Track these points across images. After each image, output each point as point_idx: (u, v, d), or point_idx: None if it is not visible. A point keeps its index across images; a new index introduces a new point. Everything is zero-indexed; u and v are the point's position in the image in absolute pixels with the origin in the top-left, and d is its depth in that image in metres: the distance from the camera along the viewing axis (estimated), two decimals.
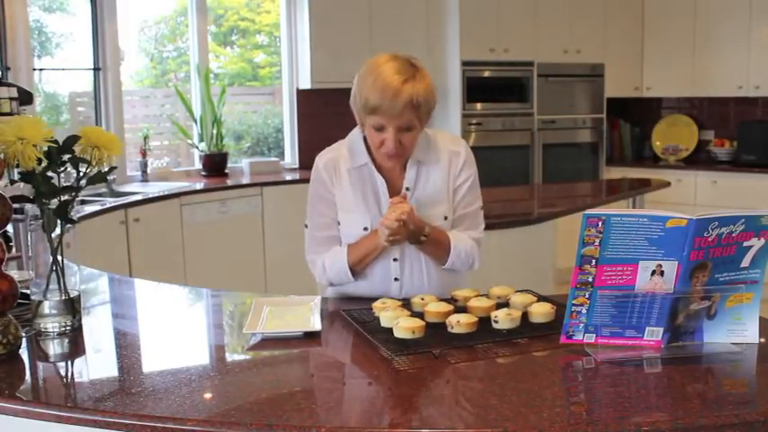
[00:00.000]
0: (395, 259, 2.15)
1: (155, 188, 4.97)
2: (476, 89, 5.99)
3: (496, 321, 1.80)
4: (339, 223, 2.16)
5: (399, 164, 2.13)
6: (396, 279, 2.17)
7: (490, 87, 6.10)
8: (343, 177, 2.15)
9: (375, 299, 1.97)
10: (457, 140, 2.23)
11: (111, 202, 4.45)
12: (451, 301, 1.99)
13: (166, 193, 4.81)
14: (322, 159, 2.19)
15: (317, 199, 2.19)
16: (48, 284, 1.85)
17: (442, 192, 2.16)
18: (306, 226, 2.23)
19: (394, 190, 2.14)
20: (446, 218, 2.15)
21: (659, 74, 6.71)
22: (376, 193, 2.14)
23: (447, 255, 2.14)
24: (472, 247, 2.18)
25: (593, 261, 1.61)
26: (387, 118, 1.99)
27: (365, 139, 2.14)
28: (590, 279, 1.62)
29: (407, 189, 2.14)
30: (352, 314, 1.94)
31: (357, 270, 2.15)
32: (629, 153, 7.05)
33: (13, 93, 2.39)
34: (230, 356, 1.79)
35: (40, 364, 1.72)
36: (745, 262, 1.65)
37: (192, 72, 5.71)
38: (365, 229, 2.13)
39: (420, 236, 2.07)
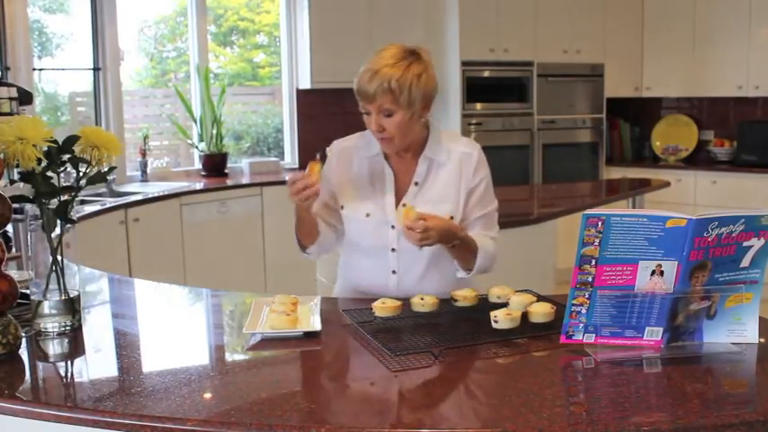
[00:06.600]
0: (393, 249, 2.16)
1: (154, 188, 4.97)
2: (476, 89, 5.98)
3: (496, 321, 1.80)
4: (343, 207, 2.20)
5: (396, 151, 2.14)
6: (393, 272, 2.17)
7: (490, 87, 6.10)
8: (353, 165, 2.21)
9: (374, 296, 1.98)
10: (471, 143, 2.23)
11: (110, 202, 4.45)
12: (451, 300, 1.99)
13: (166, 193, 4.81)
14: (338, 146, 2.26)
15: (323, 176, 2.22)
16: (47, 284, 1.85)
17: (450, 191, 2.16)
18: None
19: (403, 183, 2.17)
20: (452, 218, 2.15)
21: (659, 74, 6.71)
22: (382, 183, 2.18)
23: (474, 258, 2.13)
24: (494, 248, 2.18)
25: (593, 261, 1.61)
26: (364, 101, 2.04)
27: None
28: (590, 279, 1.62)
29: (416, 183, 2.16)
30: (352, 314, 1.94)
31: (302, 240, 2.26)
32: (629, 153, 7.04)
33: (13, 93, 2.39)
34: (230, 356, 1.79)
35: (40, 364, 1.71)
36: (745, 262, 1.65)
37: (192, 72, 5.71)
38: (367, 215, 2.16)
39: (454, 239, 2.06)
